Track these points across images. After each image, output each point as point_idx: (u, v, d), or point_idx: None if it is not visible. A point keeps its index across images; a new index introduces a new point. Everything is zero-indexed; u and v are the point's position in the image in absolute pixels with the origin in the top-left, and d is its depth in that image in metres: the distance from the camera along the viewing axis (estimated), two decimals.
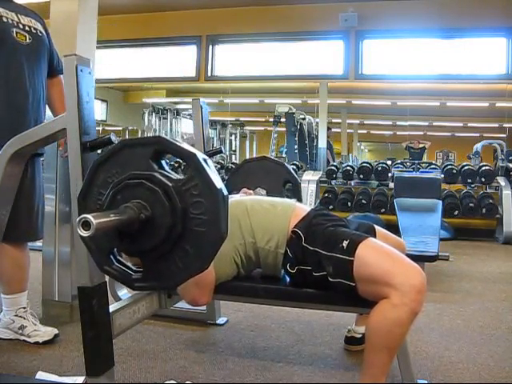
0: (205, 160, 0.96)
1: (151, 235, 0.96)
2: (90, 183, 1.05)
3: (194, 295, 1.49)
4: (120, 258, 1.05)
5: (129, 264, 1.05)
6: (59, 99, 2.01)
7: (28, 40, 1.88)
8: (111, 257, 1.04)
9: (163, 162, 1.01)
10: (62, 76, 2.00)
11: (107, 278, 1.32)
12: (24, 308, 1.97)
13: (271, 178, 2.19)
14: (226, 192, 0.97)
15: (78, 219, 0.85)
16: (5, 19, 1.82)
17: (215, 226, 0.95)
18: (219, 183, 0.95)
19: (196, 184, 0.95)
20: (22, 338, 1.93)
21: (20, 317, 1.95)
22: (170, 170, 1.00)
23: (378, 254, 1.39)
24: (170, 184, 0.96)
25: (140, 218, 0.94)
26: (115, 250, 1.05)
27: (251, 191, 2.05)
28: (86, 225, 0.85)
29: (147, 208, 0.95)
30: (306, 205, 5.16)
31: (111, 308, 1.42)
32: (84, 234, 0.85)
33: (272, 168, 2.22)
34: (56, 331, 1.95)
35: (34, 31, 1.92)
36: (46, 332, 1.93)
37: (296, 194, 2.23)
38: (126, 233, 0.97)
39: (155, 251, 0.98)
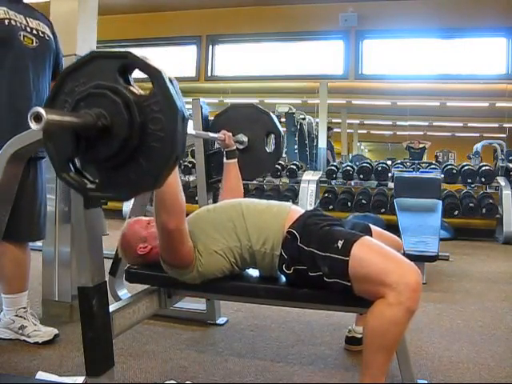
0: (170, 80, 0.99)
1: (108, 144, 0.98)
2: (57, 92, 1.06)
3: (163, 219, 1.43)
4: (78, 168, 1.08)
5: (87, 175, 1.06)
6: None
7: (35, 43, 1.89)
8: (70, 165, 1.06)
9: (130, 77, 1.03)
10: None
11: (107, 278, 1.32)
12: (24, 308, 1.97)
13: (255, 126, 2.17)
14: (186, 113, 1.00)
15: (30, 112, 0.86)
16: (13, 22, 1.83)
17: (171, 143, 0.97)
18: (180, 103, 0.98)
19: (157, 101, 0.97)
20: (22, 338, 1.93)
21: (20, 317, 1.95)
22: (135, 86, 1.02)
23: (372, 253, 1.39)
24: (132, 97, 0.98)
25: (97, 125, 0.96)
26: (74, 159, 1.07)
27: (230, 134, 2.04)
28: (37, 118, 0.86)
29: (106, 117, 0.97)
30: (306, 204, 5.15)
31: (111, 308, 1.42)
32: (35, 127, 0.86)
33: (257, 117, 2.19)
34: (56, 331, 1.96)
35: (42, 35, 1.93)
36: (46, 332, 1.94)
37: (278, 145, 2.21)
38: (83, 139, 1.00)
39: (110, 161, 1.00)
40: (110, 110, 0.97)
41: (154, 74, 0.98)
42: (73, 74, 1.05)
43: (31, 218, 1.95)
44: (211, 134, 2.02)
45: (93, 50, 1.06)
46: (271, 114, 2.20)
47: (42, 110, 0.86)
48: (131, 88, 1.00)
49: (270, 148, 2.21)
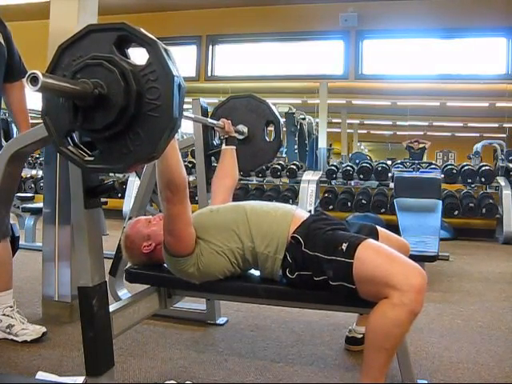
0: (165, 50, 1.00)
1: (105, 114, 0.99)
2: (55, 66, 1.07)
3: (166, 196, 1.42)
4: (77, 142, 1.09)
5: (85, 149, 1.08)
6: (19, 103, 2.07)
7: None
8: (68, 138, 1.07)
9: (126, 50, 1.04)
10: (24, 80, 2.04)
11: (107, 278, 1.32)
12: (11, 307, 1.96)
13: (254, 116, 2.18)
14: (183, 83, 1.01)
15: (26, 75, 0.87)
16: None
17: (168, 112, 0.98)
18: (176, 72, 0.99)
19: (154, 70, 0.98)
20: (10, 337, 1.92)
21: (7, 316, 1.94)
22: (131, 58, 1.03)
23: (377, 255, 1.39)
24: (128, 67, 0.99)
25: (94, 93, 0.97)
26: (72, 133, 1.08)
27: (229, 121, 2.04)
28: (34, 80, 0.87)
29: (103, 86, 0.98)
30: (306, 204, 5.15)
31: (111, 308, 1.42)
32: (32, 88, 0.87)
33: (256, 107, 2.20)
34: (44, 329, 1.95)
35: None
36: (34, 330, 1.93)
37: (277, 134, 2.21)
38: (81, 110, 1.00)
39: (108, 131, 1.00)
40: (106, 79, 0.98)
41: (149, 44, 0.99)
42: (69, 48, 1.06)
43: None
44: (210, 120, 2.02)
45: (89, 24, 1.06)
46: (269, 103, 2.21)
47: (37, 72, 0.87)
48: (127, 59, 1.01)
49: (269, 137, 2.22)
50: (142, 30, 1.01)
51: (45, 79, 0.88)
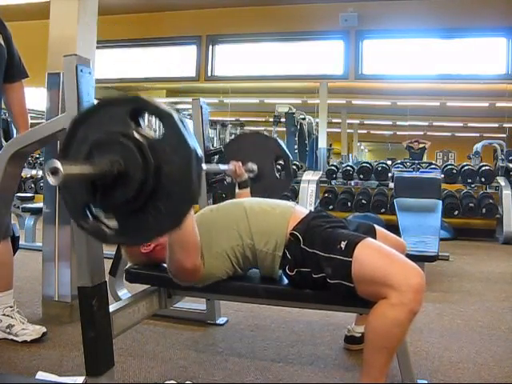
0: (181, 120, 0.98)
1: (124, 190, 0.98)
2: (70, 141, 1.06)
3: (179, 258, 1.45)
4: (96, 215, 1.07)
5: (105, 221, 1.06)
6: (19, 104, 2.07)
7: None
8: (87, 212, 1.06)
9: (140, 120, 1.03)
10: (23, 81, 2.08)
11: (107, 278, 1.32)
12: (11, 307, 1.97)
13: (263, 153, 2.20)
14: (199, 153, 0.99)
15: (47, 166, 0.87)
16: None
17: (187, 185, 0.97)
18: (193, 143, 0.97)
19: (170, 143, 0.98)
20: (10, 337, 1.92)
21: (7, 316, 1.94)
22: (146, 129, 1.02)
23: (375, 254, 1.39)
24: (145, 141, 0.98)
25: (113, 172, 0.96)
26: (91, 205, 1.06)
27: (240, 163, 2.05)
28: (55, 172, 0.87)
29: (121, 163, 0.97)
30: (306, 205, 5.15)
31: (111, 308, 1.42)
32: (53, 181, 0.87)
33: (265, 143, 2.22)
34: (44, 329, 1.95)
35: None
36: (35, 330, 1.93)
37: (287, 170, 2.22)
38: (100, 187, 1.00)
39: (128, 206, 1.00)
40: (123, 155, 0.97)
41: (164, 117, 0.97)
42: (84, 122, 1.05)
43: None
44: (222, 167, 2.03)
45: (102, 98, 1.05)
46: (277, 139, 2.22)
47: (58, 164, 0.85)
48: (143, 131, 1.00)
49: (279, 171, 2.23)
50: (156, 102, 0.99)
51: (66, 171, 0.87)
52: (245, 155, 2.16)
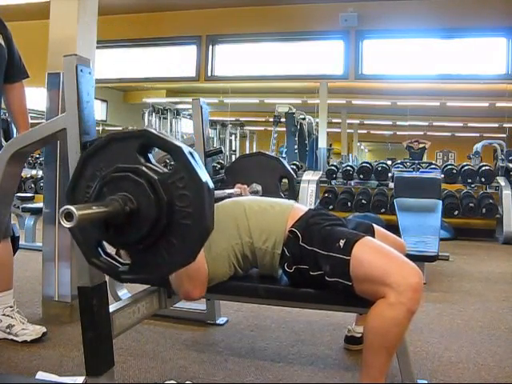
0: (191, 153, 0.97)
1: (137, 227, 0.97)
2: (79, 177, 1.06)
3: (187, 289, 1.48)
4: (108, 251, 1.06)
5: (117, 257, 1.05)
6: (19, 104, 2.07)
7: None
8: (99, 249, 1.05)
9: (150, 155, 1.02)
10: (24, 81, 2.08)
11: (107, 277, 1.32)
12: (11, 307, 1.96)
13: (267, 173, 2.19)
14: (211, 185, 0.98)
15: (61, 210, 0.86)
16: None
17: (200, 218, 0.96)
18: (204, 176, 0.96)
19: (181, 177, 0.96)
20: (10, 337, 1.92)
21: (7, 316, 1.94)
22: (156, 163, 1.01)
23: (374, 253, 1.39)
24: (156, 177, 0.97)
25: (125, 211, 0.95)
26: (103, 242, 1.05)
27: (245, 186, 2.04)
28: (68, 216, 0.86)
29: (132, 200, 0.96)
30: (306, 205, 5.16)
31: (111, 308, 1.42)
32: (67, 225, 0.86)
33: (267, 163, 2.22)
34: (44, 329, 1.95)
35: None
36: (34, 330, 1.93)
37: (292, 189, 2.22)
38: (112, 225, 0.98)
39: (141, 243, 0.99)
40: (135, 192, 0.96)
41: (173, 151, 0.97)
42: (92, 158, 1.05)
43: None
44: (227, 191, 2.02)
45: (110, 133, 1.05)
46: (281, 159, 2.22)
47: (73, 208, 0.85)
48: (153, 166, 0.99)
49: (284, 194, 2.22)
50: (164, 136, 0.98)
51: (80, 215, 0.86)
52: (248, 176, 2.16)
